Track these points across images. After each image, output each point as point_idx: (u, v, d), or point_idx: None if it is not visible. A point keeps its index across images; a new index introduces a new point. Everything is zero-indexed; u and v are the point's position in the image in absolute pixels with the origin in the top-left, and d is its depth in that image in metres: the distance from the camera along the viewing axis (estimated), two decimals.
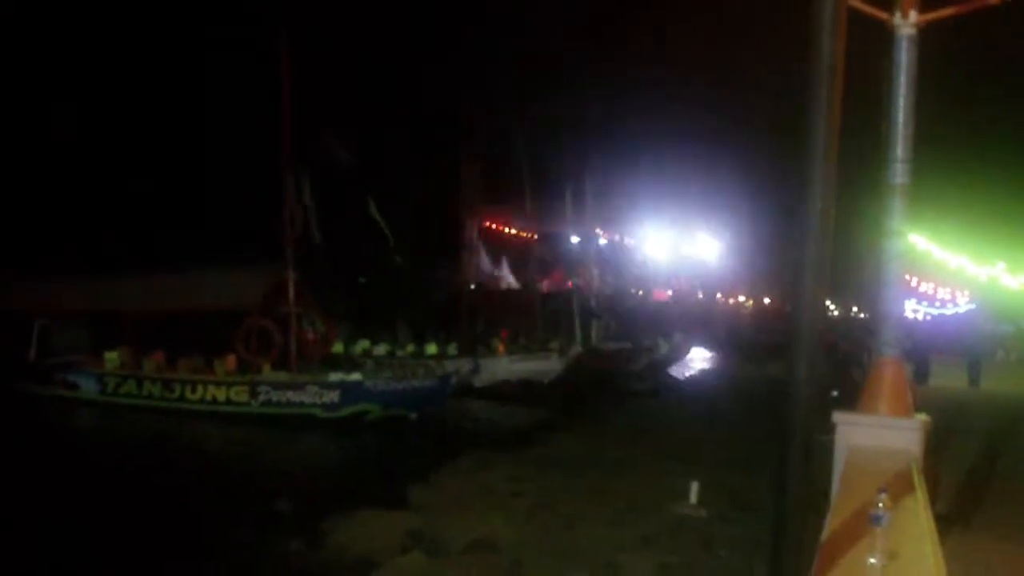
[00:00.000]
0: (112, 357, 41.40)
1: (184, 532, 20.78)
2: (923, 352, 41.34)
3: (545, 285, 72.00)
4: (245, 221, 49.25)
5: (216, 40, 56.79)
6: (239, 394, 38.57)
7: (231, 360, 40.25)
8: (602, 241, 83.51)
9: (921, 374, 38.97)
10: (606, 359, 57.99)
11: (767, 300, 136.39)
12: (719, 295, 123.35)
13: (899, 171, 9.75)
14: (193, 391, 39.18)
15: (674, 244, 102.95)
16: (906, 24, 9.69)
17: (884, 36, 9.88)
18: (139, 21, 59.80)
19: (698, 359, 79.77)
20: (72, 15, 58.28)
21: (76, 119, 57.14)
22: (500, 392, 46.97)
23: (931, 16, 9.89)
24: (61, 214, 55.16)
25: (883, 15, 9.79)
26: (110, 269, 44.05)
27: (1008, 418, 30.65)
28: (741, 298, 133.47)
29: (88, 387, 40.76)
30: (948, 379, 41.36)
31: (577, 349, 55.26)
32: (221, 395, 38.83)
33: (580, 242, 74.20)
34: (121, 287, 42.34)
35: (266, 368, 39.36)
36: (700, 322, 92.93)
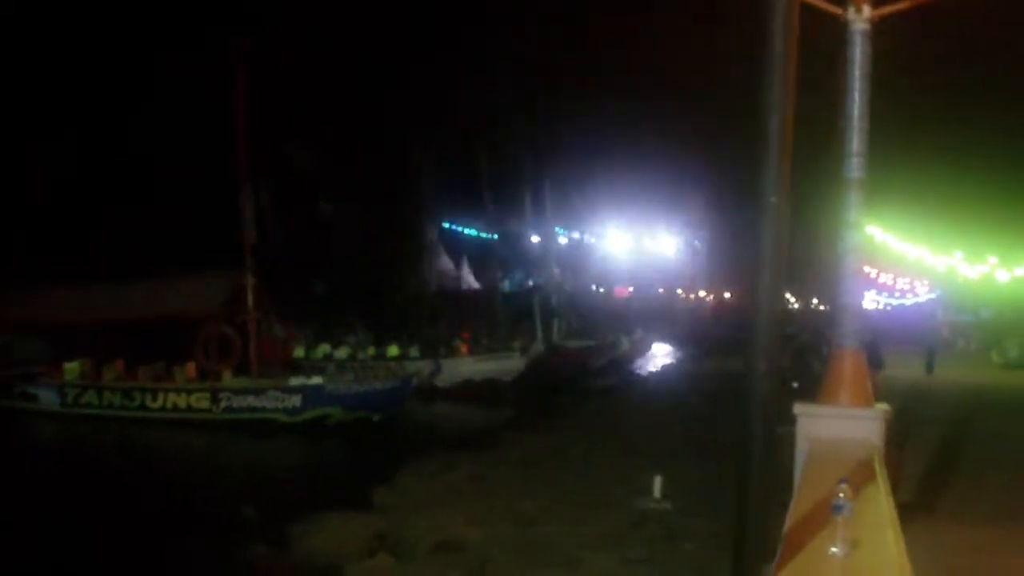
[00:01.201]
0: (72, 368, 41.14)
1: (150, 540, 20.68)
2: (878, 341, 41.86)
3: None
4: (205, 228, 48.99)
5: (174, 43, 56.40)
6: (200, 401, 38.45)
7: (191, 367, 40.08)
8: (562, 239, 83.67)
9: (875, 362, 39.34)
10: (568, 357, 58.15)
11: (728, 295, 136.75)
12: (680, 291, 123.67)
13: (855, 165, 9.83)
14: (154, 399, 39.03)
15: (634, 241, 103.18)
16: (859, 19, 9.77)
17: (839, 30, 9.97)
18: (104, 29, 59.38)
19: (660, 355, 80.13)
20: (45, 24, 57.87)
21: (38, 131, 56.69)
22: (463, 392, 47.08)
23: (885, 10, 9.97)
24: (18, 226, 54.69)
25: (837, 10, 9.87)
26: (67, 279, 43.66)
27: (965, 406, 31.08)
28: (702, 293, 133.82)
29: (48, 399, 40.47)
30: (906, 368, 41.78)
31: (539, 348, 55.41)
32: (182, 402, 38.70)
33: (540, 241, 74.33)
34: (79, 297, 42.12)
35: (226, 374, 39.24)
36: (661, 318, 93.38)
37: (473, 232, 78.77)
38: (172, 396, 38.91)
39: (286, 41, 50.08)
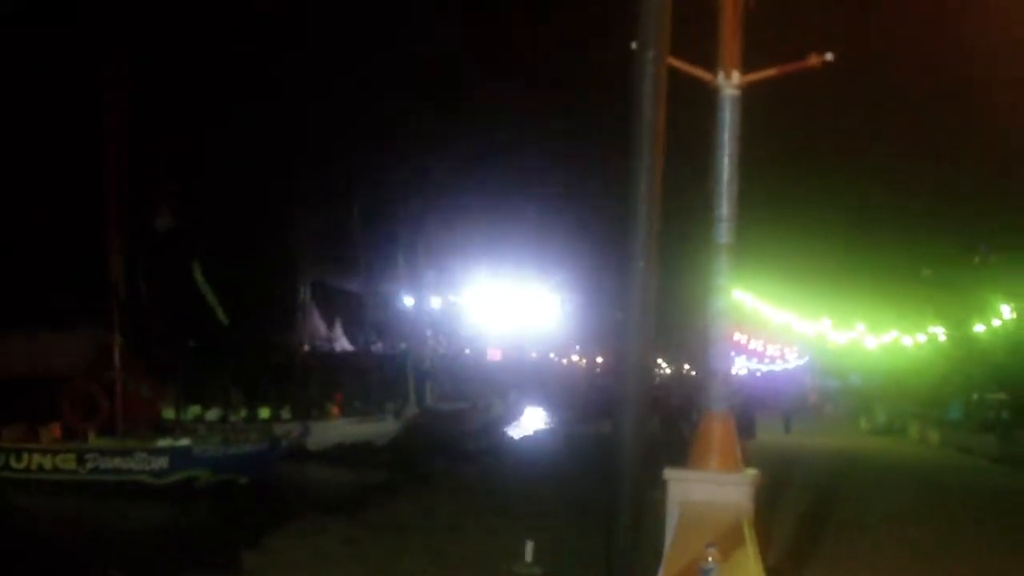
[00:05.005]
0: None
1: None
2: (750, 407, 42.47)
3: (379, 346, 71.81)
4: (70, 285, 48.01)
5: (42, 93, 55.41)
6: (66, 462, 37.48)
7: (56, 427, 39.14)
8: (435, 302, 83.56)
9: (748, 429, 39.96)
10: (441, 420, 57.93)
11: (600, 359, 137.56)
12: (552, 354, 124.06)
13: (724, 229, 9.96)
14: (19, 460, 37.94)
15: (508, 304, 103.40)
16: (729, 84, 9.96)
17: (709, 96, 10.13)
18: None
19: (533, 418, 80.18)
20: None
21: None
22: (335, 455, 46.60)
23: (753, 77, 10.17)
24: None
25: (707, 75, 10.04)
26: None
27: (833, 470, 31.57)
28: (574, 357, 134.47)
29: None
30: (773, 433, 42.44)
31: (412, 410, 55.10)
32: (47, 463, 37.68)
33: (414, 303, 74.19)
34: None
35: (92, 435, 38.41)
36: (534, 381, 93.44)
37: (345, 292, 78.28)
38: (37, 457, 37.88)
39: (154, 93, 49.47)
